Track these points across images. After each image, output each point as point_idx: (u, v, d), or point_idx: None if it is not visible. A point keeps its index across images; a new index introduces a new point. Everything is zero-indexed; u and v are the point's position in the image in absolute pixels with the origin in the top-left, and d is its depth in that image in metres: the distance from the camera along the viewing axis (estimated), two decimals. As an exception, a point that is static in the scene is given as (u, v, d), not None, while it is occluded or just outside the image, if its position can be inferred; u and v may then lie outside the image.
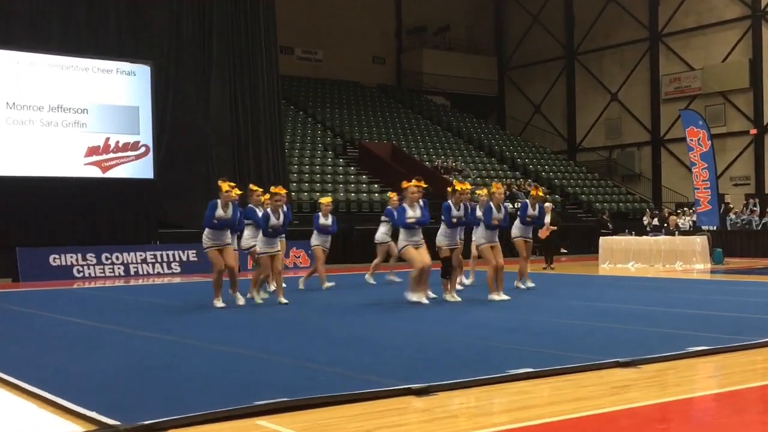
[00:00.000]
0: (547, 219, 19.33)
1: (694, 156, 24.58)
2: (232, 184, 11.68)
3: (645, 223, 26.07)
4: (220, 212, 11.31)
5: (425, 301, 11.11)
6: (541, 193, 13.49)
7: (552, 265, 19.62)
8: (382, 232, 15.15)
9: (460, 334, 8.29)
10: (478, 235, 12.17)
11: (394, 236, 13.63)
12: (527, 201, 13.08)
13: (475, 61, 42.40)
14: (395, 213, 12.01)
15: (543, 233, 19.30)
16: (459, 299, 11.63)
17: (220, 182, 11.56)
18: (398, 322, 9.55)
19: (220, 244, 11.39)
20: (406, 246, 11.16)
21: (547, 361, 6.48)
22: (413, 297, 11.13)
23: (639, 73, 36.92)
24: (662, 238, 20.94)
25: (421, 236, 11.31)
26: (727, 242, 24.07)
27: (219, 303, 11.33)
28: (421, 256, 11.08)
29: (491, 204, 11.81)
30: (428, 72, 41.40)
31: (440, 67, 41.27)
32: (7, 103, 19.08)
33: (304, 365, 6.60)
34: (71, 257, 18.87)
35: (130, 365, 6.81)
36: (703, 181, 24.18)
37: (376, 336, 8.42)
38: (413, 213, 11.16)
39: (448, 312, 10.35)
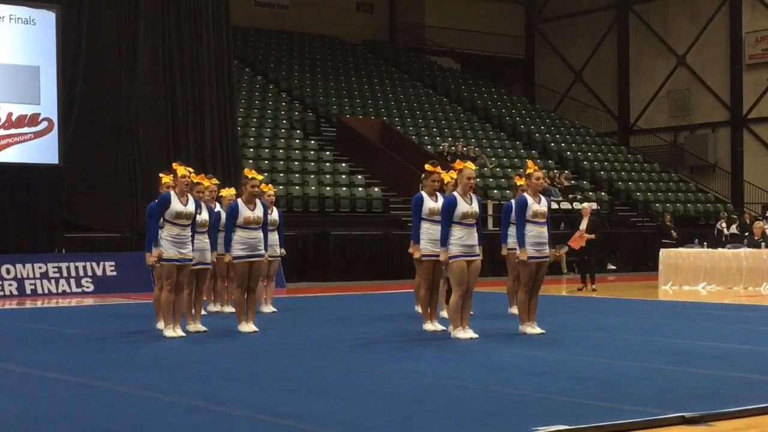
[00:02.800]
0: (583, 225, 19.34)
1: (788, 141, 24.64)
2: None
3: (721, 230, 26.12)
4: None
5: (476, 335, 11.01)
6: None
7: (593, 286, 19.64)
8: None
9: (470, 379, 8.28)
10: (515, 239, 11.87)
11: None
12: (525, 195, 11.59)
13: (496, 9, 42.45)
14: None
15: (575, 242, 19.29)
16: (443, 328, 11.61)
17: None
18: (388, 361, 9.54)
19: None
20: (458, 258, 10.85)
21: (588, 415, 6.48)
22: (462, 334, 10.94)
23: (715, 29, 37.01)
24: (744, 251, 20.96)
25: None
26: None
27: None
28: (469, 276, 10.99)
29: (525, 195, 11.49)
30: (432, 24, 41.39)
31: (448, 17, 41.28)
32: None
33: (260, 419, 6.57)
34: (-55, 269, 18.81)
35: (18, 417, 6.74)
36: (799, 175, 24.23)
37: (358, 380, 8.42)
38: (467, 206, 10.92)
39: (455, 349, 10.34)
